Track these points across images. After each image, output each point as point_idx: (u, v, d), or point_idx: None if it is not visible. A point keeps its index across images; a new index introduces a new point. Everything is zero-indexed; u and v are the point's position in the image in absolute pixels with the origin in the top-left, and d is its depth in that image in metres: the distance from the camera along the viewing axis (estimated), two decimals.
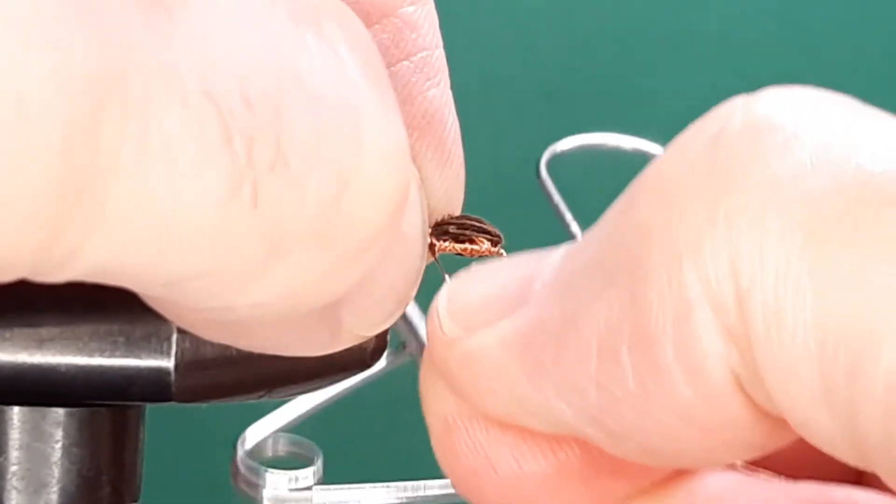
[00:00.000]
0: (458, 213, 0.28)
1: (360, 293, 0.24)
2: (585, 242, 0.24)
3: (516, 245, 0.29)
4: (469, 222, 0.28)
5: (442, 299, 0.25)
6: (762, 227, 0.21)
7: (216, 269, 0.21)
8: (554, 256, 0.25)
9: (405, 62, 0.27)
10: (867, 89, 1.01)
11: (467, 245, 0.28)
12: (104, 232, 0.20)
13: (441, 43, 0.28)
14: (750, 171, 0.22)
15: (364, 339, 0.26)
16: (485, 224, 0.28)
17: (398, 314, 0.26)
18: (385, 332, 0.27)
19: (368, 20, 0.27)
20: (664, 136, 1.04)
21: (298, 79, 0.21)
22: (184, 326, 0.25)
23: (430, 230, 0.27)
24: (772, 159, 0.22)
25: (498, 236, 0.28)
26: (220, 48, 0.20)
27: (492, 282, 0.25)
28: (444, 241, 0.27)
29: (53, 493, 0.26)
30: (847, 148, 0.22)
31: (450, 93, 0.28)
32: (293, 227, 0.21)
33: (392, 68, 0.27)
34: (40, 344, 0.25)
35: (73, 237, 0.20)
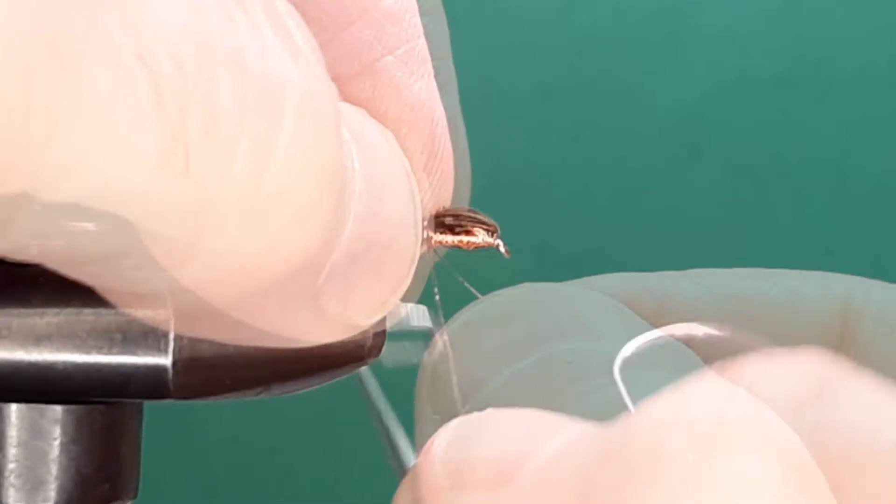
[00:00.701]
0: (447, 204, 0.28)
1: (342, 279, 0.24)
2: (581, 446, 0.23)
3: (516, 245, 0.29)
4: (465, 214, 0.28)
5: (441, 441, 0.25)
6: None
7: (146, 240, 0.21)
8: (555, 442, 0.23)
9: (389, 57, 0.27)
10: (867, 89, 1.01)
11: (464, 237, 0.28)
12: (42, 192, 0.20)
13: (422, 32, 0.28)
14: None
15: (361, 329, 0.26)
16: (480, 215, 0.28)
17: (393, 303, 0.26)
18: (383, 327, 0.27)
19: (348, 16, 0.27)
20: (663, 136, 1.03)
21: (228, 50, 0.21)
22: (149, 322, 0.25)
23: (425, 223, 0.27)
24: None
25: (494, 227, 0.28)
26: (152, 14, 0.20)
27: (491, 444, 0.24)
28: (441, 232, 0.27)
29: (51, 491, 0.26)
30: None
31: (434, 83, 0.28)
32: (223, 195, 0.21)
33: (377, 64, 0.27)
34: (38, 341, 0.25)
35: (11, 196, 0.20)
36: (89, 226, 0.20)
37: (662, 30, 1.02)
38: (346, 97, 0.26)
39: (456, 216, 0.27)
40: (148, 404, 0.28)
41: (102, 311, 0.26)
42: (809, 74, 1.03)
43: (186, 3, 0.21)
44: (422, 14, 0.27)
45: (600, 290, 0.31)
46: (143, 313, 0.25)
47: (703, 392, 0.22)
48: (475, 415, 0.25)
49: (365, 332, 0.26)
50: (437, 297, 0.28)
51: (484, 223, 0.28)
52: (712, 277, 0.33)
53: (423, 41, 0.28)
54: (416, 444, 0.28)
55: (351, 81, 0.26)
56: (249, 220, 0.22)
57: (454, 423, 0.25)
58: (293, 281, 0.23)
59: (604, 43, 1.02)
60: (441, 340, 0.29)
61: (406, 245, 0.25)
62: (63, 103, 0.19)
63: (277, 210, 0.22)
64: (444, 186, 0.27)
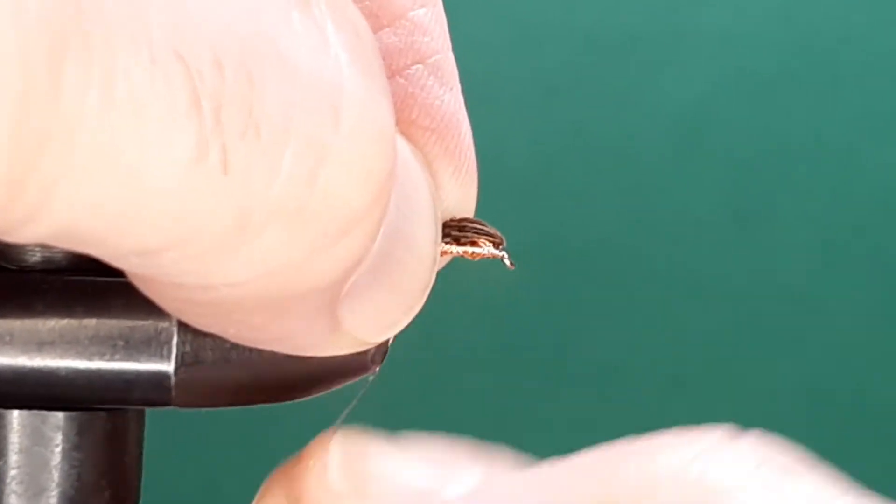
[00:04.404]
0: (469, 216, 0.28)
1: (361, 294, 0.24)
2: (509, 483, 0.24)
3: (518, 243, 0.29)
4: (470, 224, 0.27)
5: (337, 447, 0.25)
6: None
7: (187, 236, 0.21)
8: (473, 475, 0.24)
9: (419, 66, 0.27)
10: (870, 86, 1.01)
11: (469, 247, 0.27)
12: (71, 184, 0.20)
13: (450, 46, 0.28)
14: None
15: (368, 346, 0.26)
16: (486, 226, 0.28)
17: (404, 323, 0.26)
18: (387, 339, 0.27)
19: (378, 23, 0.27)
20: (665, 132, 1.03)
21: (277, 52, 0.21)
22: (172, 312, 0.25)
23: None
24: None
25: (500, 239, 0.28)
26: (196, 10, 0.20)
27: (400, 469, 0.25)
28: (446, 243, 0.27)
29: (53, 498, 0.26)
30: None
31: (461, 97, 0.27)
32: (266, 199, 0.21)
33: (407, 72, 0.27)
34: (40, 347, 0.25)
35: (38, 189, 0.19)
36: (124, 220, 0.20)
37: (665, 26, 1.02)
38: None
39: (461, 227, 0.27)
40: (149, 410, 0.28)
41: (105, 317, 0.25)
42: (812, 71, 1.03)
43: (235, 2, 0.21)
44: (420, 6, 0.27)
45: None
46: (147, 318, 0.25)
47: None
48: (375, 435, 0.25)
49: (373, 344, 0.26)
50: None
51: (490, 235, 0.27)
52: None
53: (451, 55, 0.27)
54: None
55: None
56: (295, 226, 0.22)
57: (350, 435, 0.25)
58: (321, 289, 0.23)
59: (606, 39, 1.02)
60: None
61: (423, 269, 0.25)
62: (94, 93, 0.19)
63: (326, 217, 0.22)
64: (466, 200, 0.27)
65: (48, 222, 0.20)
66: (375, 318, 0.25)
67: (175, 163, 0.20)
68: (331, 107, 0.21)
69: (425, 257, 0.25)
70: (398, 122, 0.26)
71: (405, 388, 0.98)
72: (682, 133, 1.02)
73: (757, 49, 1.03)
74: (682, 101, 1.01)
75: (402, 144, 0.25)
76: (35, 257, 0.26)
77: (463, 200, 0.27)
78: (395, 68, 0.27)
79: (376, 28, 0.27)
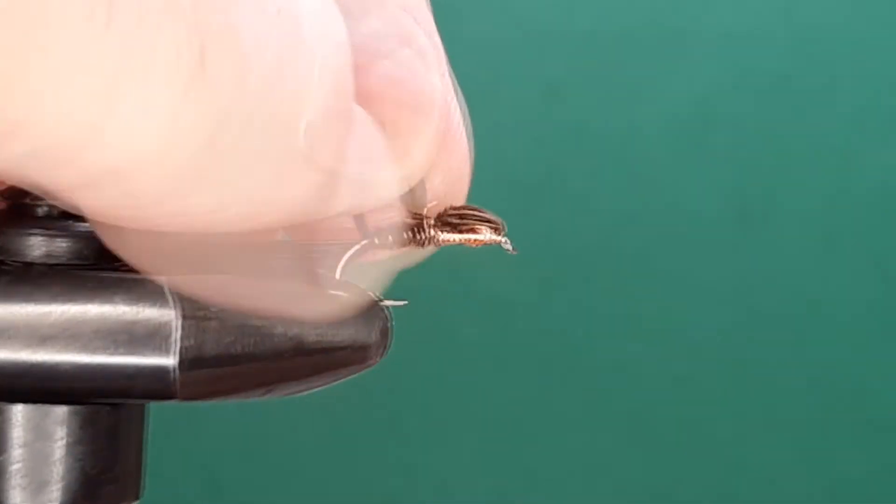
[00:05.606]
0: (461, 202, 0.28)
1: (325, 132, 0.24)
2: None
3: (521, 241, 0.29)
4: (469, 212, 0.28)
5: None
6: None
7: (160, 154, 0.21)
8: None
9: (406, 49, 0.27)
10: (872, 86, 1.01)
11: (469, 235, 0.28)
12: (53, 96, 0.20)
13: (436, 30, 0.28)
14: None
15: (354, 305, 0.26)
16: (485, 213, 0.28)
17: (383, 283, 0.26)
18: (387, 329, 0.27)
19: (364, 7, 0.27)
20: (668, 133, 1.03)
21: None
22: (151, 269, 0.25)
23: (431, 222, 0.27)
24: None
25: (499, 224, 0.28)
26: None
27: None
28: (446, 231, 0.27)
29: (56, 492, 0.26)
30: None
31: (450, 80, 0.27)
32: (237, 102, 0.21)
33: (393, 55, 0.27)
34: (42, 341, 0.25)
35: (24, 100, 0.20)
36: (97, 130, 0.20)
37: (667, 27, 1.02)
38: (362, 86, 0.26)
39: (461, 215, 0.27)
40: (151, 404, 0.28)
41: (107, 311, 0.26)
42: (814, 72, 1.03)
43: None
44: None
45: None
46: (149, 312, 0.25)
47: None
48: None
49: (370, 331, 0.26)
50: None
51: (489, 220, 0.28)
52: None
53: (438, 38, 0.28)
54: None
55: (368, 69, 0.26)
56: (262, 130, 0.22)
57: None
58: (275, 140, 0.23)
59: (609, 40, 1.02)
60: None
61: (427, 92, 0.26)
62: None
63: (289, 117, 0.22)
64: (457, 184, 0.27)
65: (28, 136, 0.20)
66: (361, 152, 0.25)
67: (71, 18, 0.20)
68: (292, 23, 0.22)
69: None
70: (385, 104, 0.26)
71: (406, 386, 0.98)
72: (684, 132, 1.02)
73: (759, 49, 1.03)
74: (685, 100, 1.01)
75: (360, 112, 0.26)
76: (37, 251, 0.26)
77: (453, 182, 0.27)
78: (382, 52, 0.27)
79: (363, 12, 0.27)
